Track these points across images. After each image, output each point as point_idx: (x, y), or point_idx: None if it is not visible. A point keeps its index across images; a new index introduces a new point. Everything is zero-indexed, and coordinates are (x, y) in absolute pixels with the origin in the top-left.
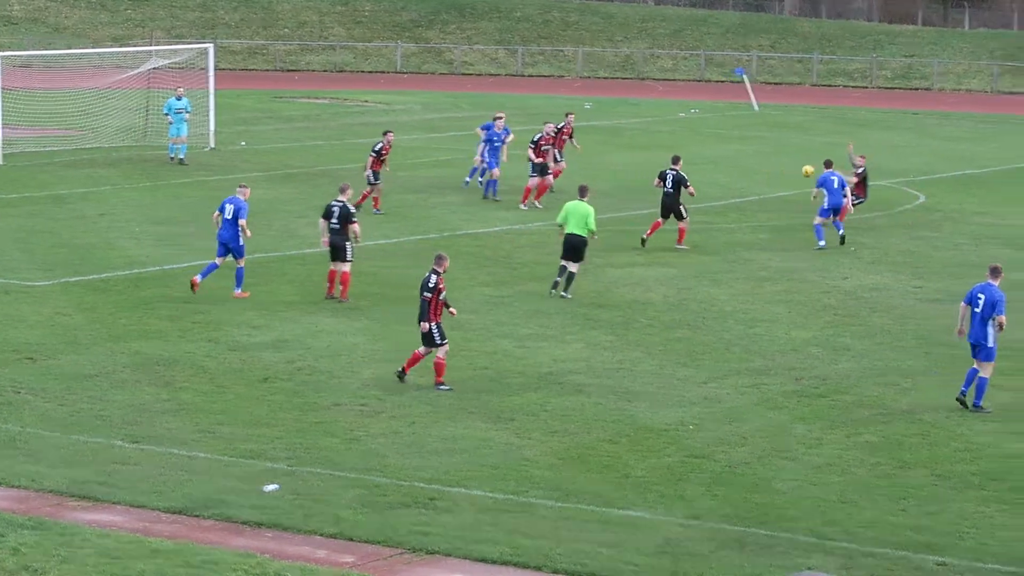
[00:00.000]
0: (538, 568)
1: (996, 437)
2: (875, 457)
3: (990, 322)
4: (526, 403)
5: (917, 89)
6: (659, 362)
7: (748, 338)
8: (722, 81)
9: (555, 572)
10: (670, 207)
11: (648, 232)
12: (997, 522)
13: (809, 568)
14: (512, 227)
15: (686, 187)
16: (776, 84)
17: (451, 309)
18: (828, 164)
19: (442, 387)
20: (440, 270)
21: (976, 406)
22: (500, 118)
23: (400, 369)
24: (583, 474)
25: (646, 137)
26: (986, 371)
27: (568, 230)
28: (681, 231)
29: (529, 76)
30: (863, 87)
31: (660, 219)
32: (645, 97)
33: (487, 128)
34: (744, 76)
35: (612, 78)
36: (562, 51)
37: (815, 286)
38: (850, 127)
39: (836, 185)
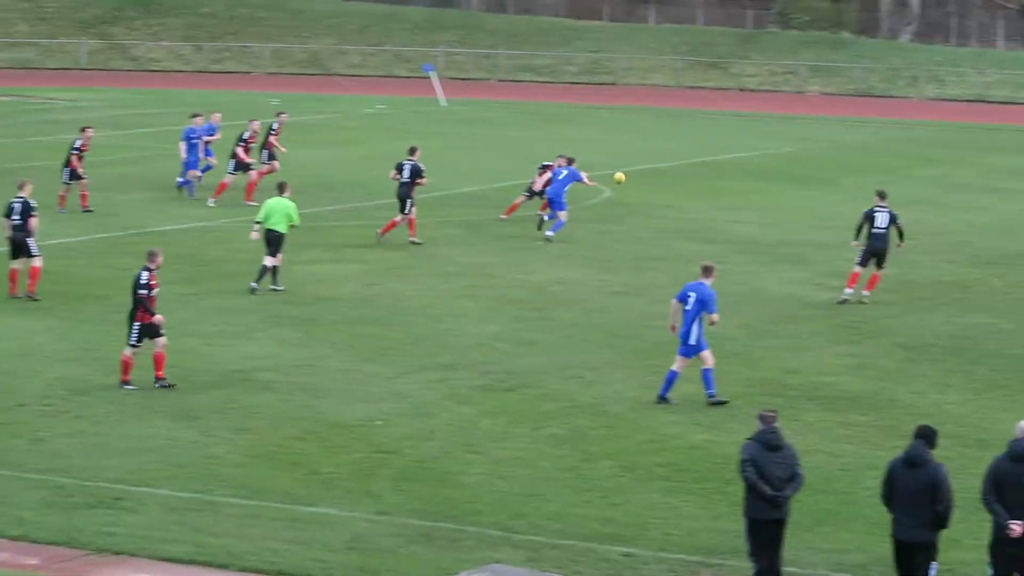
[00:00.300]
0: (224, 566)
1: (682, 428)
2: (561, 450)
3: (697, 320)
4: (213, 401)
5: (603, 84)
6: (347, 358)
7: (436, 333)
8: (410, 77)
9: (242, 570)
10: (404, 197)
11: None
12: (682, 512)
13: (496, 561)
14: (200, 224)
15: (420, 178)
16: (464, 80)
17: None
18: (570, 160)
19: (163, 383)
20: (152, 266)
21: (710, 395)
22: (199, 116)
23: (155, 378)
24: (271, 471)
25: (334, 133)
26: (708, 362)
27: (269, 226)
28: (411, 223)
29: (216, 72)
30: (550, 82)
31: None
32: (333, 93)
33: (206, 129)
34: (432, 72)
35: (300, 74)
36: (250, 47)
37: (503, 281)
38: (538, 122)
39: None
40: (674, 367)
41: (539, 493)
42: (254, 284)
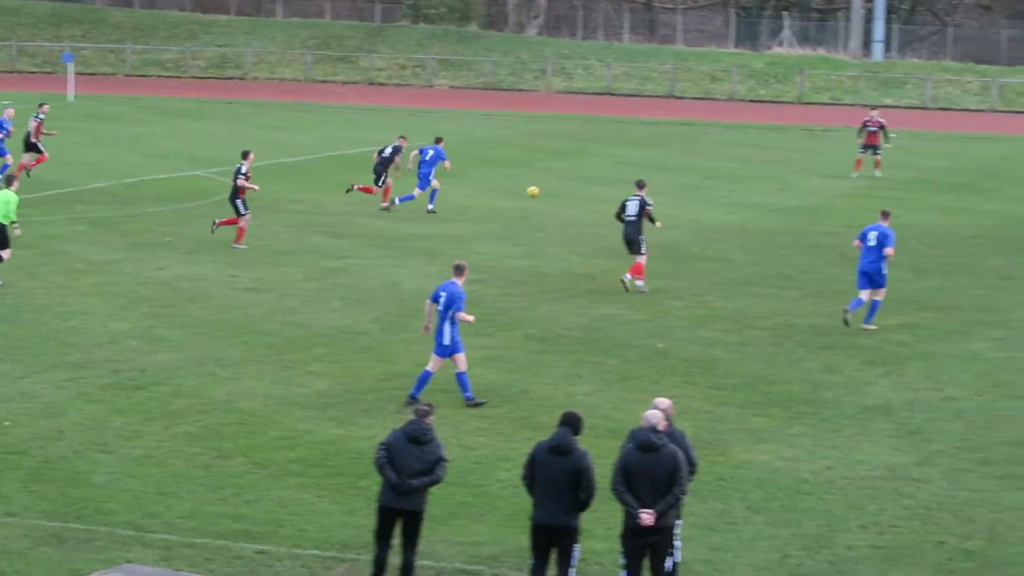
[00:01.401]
0: None
1: (314, 424)
2: (194, 447)
3: (450, 320)
4: None
5: (232, 78)
6: None
7: (65, 331)
8: (35, 72)
9: None
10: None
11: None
12: (316, 508)
13: (128, 561)
14: None
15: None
16: (90, 74)
17: None
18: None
19: None
20: None
21: (468, 399)
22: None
23: None
24: None
25: None
26: (432, 366)
27: None
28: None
29: None
30: (177, 77)
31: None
32: None
33: None
34: (70, 63)
35: None
36: None
37: (132, 278)
38: (165, 117)
39: None
40: (428, 367)
41: (172, 491)
42: None
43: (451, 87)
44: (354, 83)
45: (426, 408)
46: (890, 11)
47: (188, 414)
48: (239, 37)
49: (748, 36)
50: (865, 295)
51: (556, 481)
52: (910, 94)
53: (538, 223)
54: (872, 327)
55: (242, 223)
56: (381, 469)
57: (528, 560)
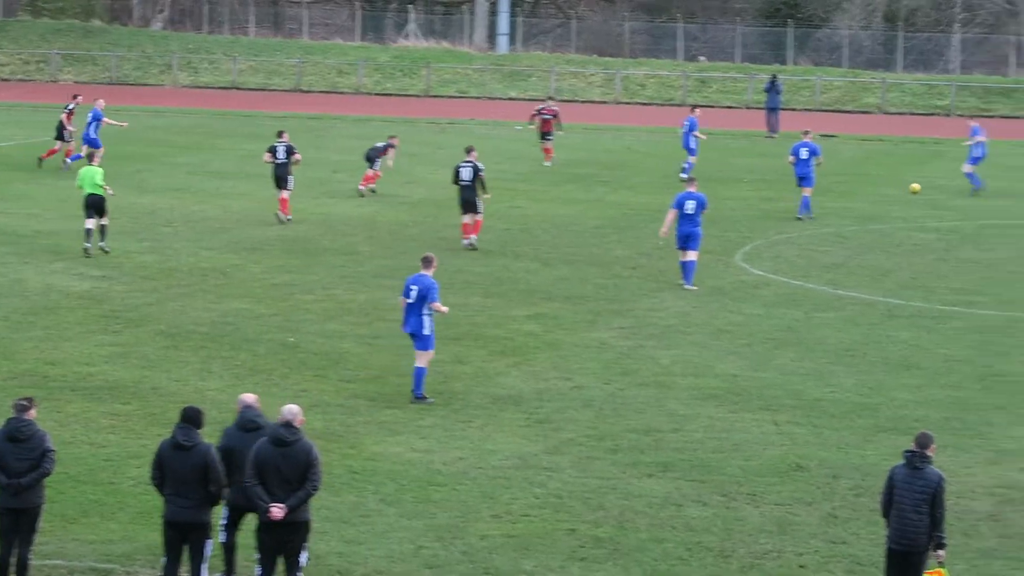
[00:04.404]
0: None
1: None
2: None
3: (426, 312)
4: None
5: None
6: None
7: None
8: None
9: None
10: (280, 178)
11: None
12: None
13: None
14: None
15: (294, 156)
16: None
17: None
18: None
19: None
20: None
21: (418, 396)
22: None
23: None
24: None
25: None
26: (422, 360)
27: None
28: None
29: None
30: None
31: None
32: None
33: None
34: None
35: None
36: None
37: None
38: None
39: None
40: (417, 363)
41: None
42: None
43: (76, 82)
44: None
45: (24, 403)
46: (514, 4)
47: None
48: None
49: (374, 29)
50: (687, 255)
51: (184, 477)
52: (535, 86)
53: (165, 218)
54: (694, 287)
55: None
56: None
57: (161, 558)
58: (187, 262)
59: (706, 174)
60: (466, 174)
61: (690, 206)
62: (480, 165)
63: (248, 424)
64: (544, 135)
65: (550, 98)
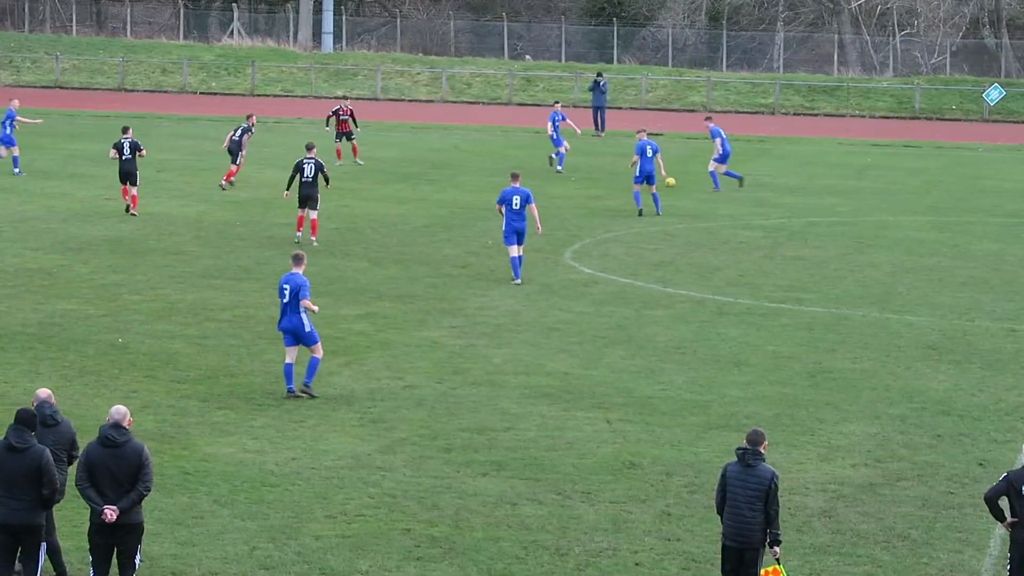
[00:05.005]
0: None
1: None
2: None
3: (302, 308)
4: None
5: None
6: None
7: None
8: None
9: None
10: (127, 174)
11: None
12: None
13: None
14: None
15: (140, 152)
16: None
17: None
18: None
19: None
20: None
21: (307, 384)
22: None
23: None
24: None
25: None
26: (318, 352)
27: None
28: (135, 199)
29: None
30: None
31: (123, 185)
32: None
33: None
34: None
35: None
36: None
37: None
38: None
39: None
40: (288, 359)
41: None
42: None
43: None
44: None
45: None
46: (339, 3)
47: None
48: None
49: (198, 28)
50: (515, 251)
51: (17, 480)
52: (361, 85)
53: None
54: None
55: None
56: None
57: None
58: (12, 263)
59: (532, 171)
60: (309, 170)
61: (516, 201)
62: (321, 161)
63: (47, 420)
64: (343, 135)
65: (345, 97)
